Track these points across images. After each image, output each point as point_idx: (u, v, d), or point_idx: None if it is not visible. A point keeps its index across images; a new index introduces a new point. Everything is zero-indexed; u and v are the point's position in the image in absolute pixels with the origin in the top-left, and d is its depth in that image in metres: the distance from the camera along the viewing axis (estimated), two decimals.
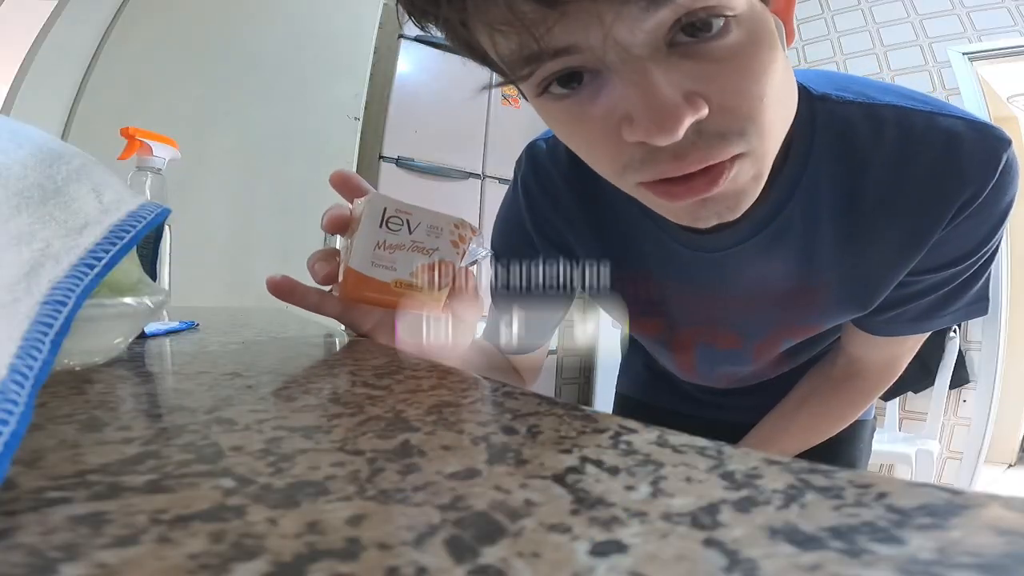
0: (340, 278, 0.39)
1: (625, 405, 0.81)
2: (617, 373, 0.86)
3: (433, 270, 0.38)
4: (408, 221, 0.38)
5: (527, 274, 0.60)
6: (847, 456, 0.69)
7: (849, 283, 0.46)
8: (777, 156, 0.40)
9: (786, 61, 0.34)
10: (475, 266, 0.42)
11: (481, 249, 0.42)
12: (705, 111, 0.30)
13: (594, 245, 0.54)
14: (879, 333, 0.53)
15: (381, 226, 0.37)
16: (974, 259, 0.45)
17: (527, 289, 0.61)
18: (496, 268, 0.63)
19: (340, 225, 0.41)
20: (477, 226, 0.41)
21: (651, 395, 0.78)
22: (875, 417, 0.74)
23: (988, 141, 0.40)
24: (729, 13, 0.28)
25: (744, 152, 0.32)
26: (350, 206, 0.43)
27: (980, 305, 0.49)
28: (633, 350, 0.81)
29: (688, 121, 0.29)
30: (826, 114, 0.42)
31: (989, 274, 0.48)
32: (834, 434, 0.61)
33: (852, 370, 0.58)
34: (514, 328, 0.65)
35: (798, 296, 0.49)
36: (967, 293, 0.48)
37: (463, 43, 0.32)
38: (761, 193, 0.40)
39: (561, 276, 0.59)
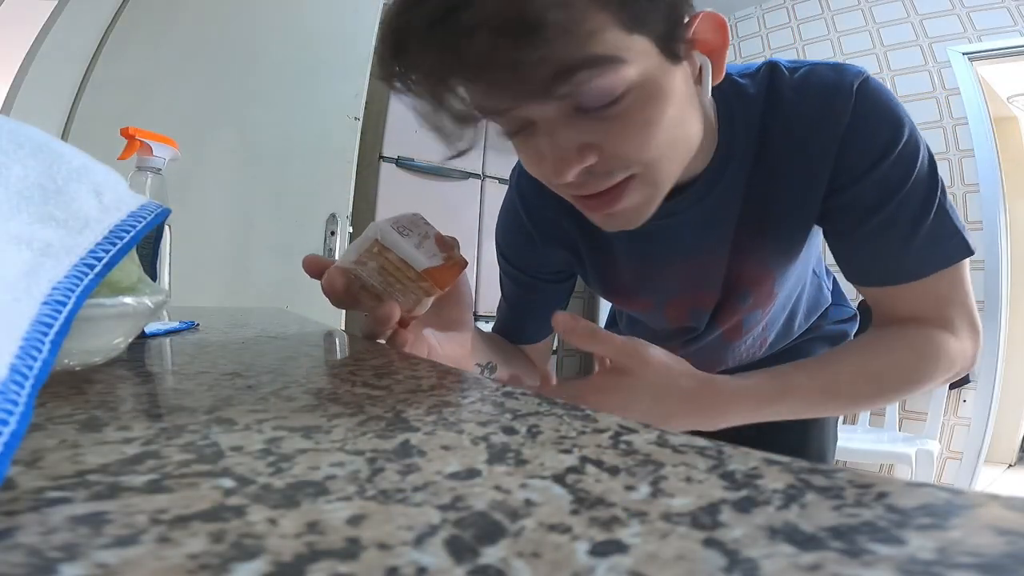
0: (421, 294, 0.44)
1: None
2: None
3: (438, 242, 0.44)
4: (402, 225, 0.44)
5: (528, 265, 0.65)
6: (816, 442, 0.73)
7: (778, 216, 0.53)
8: (709, 135, 0.50)
9: (687, 99, 0.43)
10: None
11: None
12: (593, 160, 0.40)
13: (584, 231, 0.60)
14: (872, 284, 0.53)
15: (403, 236, 0.43)
16: (896, 193, 0.48)
17: (529, 280, 0.66)
18: (501, 263, 0.68)
19: (334, 288, 0.44)
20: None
21: None
22: None
23: (839, 74, 0.48)
24: (615, 95, 0.37)
25: (632, 175, 0.42)
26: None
27: (956, 242, 0.50)
28: None
29: (575, 169, 0.40)
30: (733, 92, 0.51)
31: (947, 216, 0.50)
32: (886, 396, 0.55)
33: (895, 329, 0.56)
34: (520, 318, 0.69)
35: (746, 237, 0.55)
36: (923, 231, 0.49)
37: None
38: (701, 165, 0.51)
39: (559, 265, 0.65)
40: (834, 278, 0.78)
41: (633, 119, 0.39)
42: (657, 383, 0.46)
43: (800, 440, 0.71)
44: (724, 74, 0.44)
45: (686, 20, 0.40)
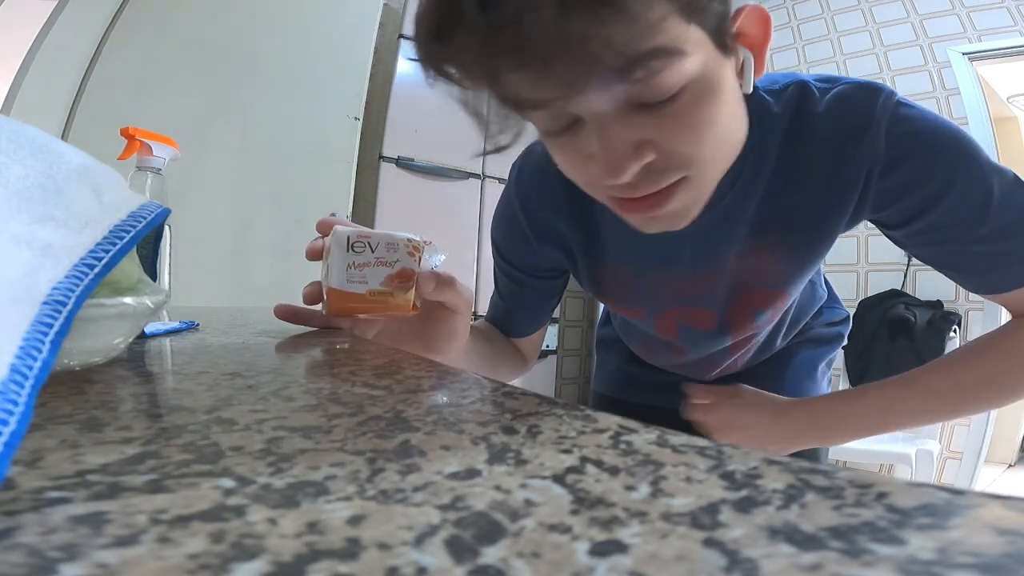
0: (324, 298, 0.47)
1: (600, 403, 0.86)
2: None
3: (398, 276, 0.46)
4: (368, 243, 0.46)
5: (522, 262, 0.66)
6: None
7: (789, 239, 0.52)
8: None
9: (736, 95, 0.41)
10: (438, 267, 0.50)
11: (439, 255, 0.50)
12: (651, 157, 0.38)
13: (580, 233, 0.60)
14: (982, 293, 0.54)
15: (348, 251, 0.45)
16: (951, 202, 0.47)
17: (523, 276, 0.67)
18: (495, 258, 0.69)
19: (318, 254, 0.50)
20: (429, 239, 0.49)
21: (626, 393, 0.82)
22: None
23: (867, 92, 0.47)
24: (675, 90, 0.35)
25: (685, 177, 0.40)
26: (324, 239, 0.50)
27: None
28: (610, 351, 0.85)
29: (633, 168, 0.37)
30: (756, 107, 0.49)
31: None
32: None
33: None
34: (513, 312, 0.71)
35: (752, 258, 0.54)
36: (1005, 238, 0.48)
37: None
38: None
39: (553, 263, 0.65)
40: (826, 279, 0.78)
41: (691, 116, 0.37)
42: (770, 398, 0.51)
43: None
44: (764, 70, 0.42)
45: (732, 12, 0.38)
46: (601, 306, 0.83)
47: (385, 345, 0.44)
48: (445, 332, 0.52)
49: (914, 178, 0.47)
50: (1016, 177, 0.48)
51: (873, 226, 0.55)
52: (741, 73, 0.42)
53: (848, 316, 0.78)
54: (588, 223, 0.59)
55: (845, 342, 0.78)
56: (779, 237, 0.52)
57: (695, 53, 0.35)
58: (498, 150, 0.41)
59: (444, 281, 0.48)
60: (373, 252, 0.45)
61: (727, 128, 0.41)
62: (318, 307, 0.50)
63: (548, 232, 0.62)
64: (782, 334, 0.70)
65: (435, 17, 0.34)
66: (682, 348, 0.67)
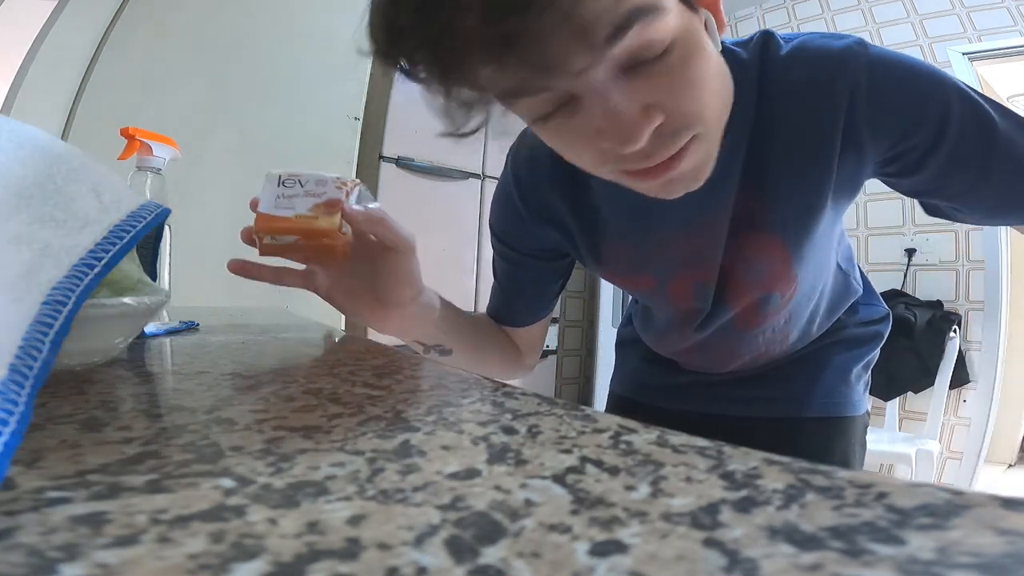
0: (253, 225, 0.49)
1: (617, 404, 0.84)
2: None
3: (325, 204, 0.49)
4: (299, 180, 0.49)
5: (518, 242, 0.65)
6: (840, 451, 0.70)
7: (777, 181, 0.52)
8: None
9: (714, 51, 0.42)
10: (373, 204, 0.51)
11: (374, 202, 0.51)
12: (660, 119, 0.38)
13: (576, 209, 0.59)
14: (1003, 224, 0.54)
15: (279, 186, 0.49)
16: (956, 131, 0.46)
17: (519, 256, 0.66)
18: (493, 242, 0.68)
19: (249, 236, 0.51)
20: (360, 181, 0.51)
21: (643, 395, 0.80)
22: (867, 413, 0.74)
23: (840, 42, 0.48)
24: (664, 48, 0.36)
25: (696, 135, 0.40)
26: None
27: None
28: (630, 350, 0.83)
29: (648, 131, 0.37)
30: (729, 59, 0.49)
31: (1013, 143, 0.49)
32: None
33: None
34: (510, 298, 0.69)
35: (746, 207, 0.54)
36: (1005, 163, 0.48)
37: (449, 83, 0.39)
38: None
39: (550, 244, 0.64)
40: (864, 275, 0.74)
41: (685, 72, 0.38)
42: None
43: (823, 444, 0.69)
44: (725, 27, 0.43)
45: None
46: (602, 306, 0.82)
47: (384, 345, 0.44)
48: (393, 276, 0.52)
49: (908, 114, 0.47)
50: (1000, 105, 0.48)
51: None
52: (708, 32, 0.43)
53: (888, 314, 0.74)
54: (582, 199, 0.59)
55: (884, 341, 0.73)
56: (767, 180, 0.52)
57: (671, 10, 0.36)
58: (469, 134, 0.42)
59: (373, 214, 0.50)
60: (303, 187, 0.49)
61: (719, 82, 0.42)
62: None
63: (543, 211, 0.61)
64: (817, 323, 0.67)
65: (388, 19, 0.35)
66: (693, 317, 0.64)
